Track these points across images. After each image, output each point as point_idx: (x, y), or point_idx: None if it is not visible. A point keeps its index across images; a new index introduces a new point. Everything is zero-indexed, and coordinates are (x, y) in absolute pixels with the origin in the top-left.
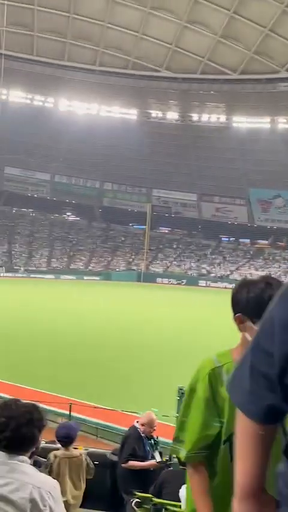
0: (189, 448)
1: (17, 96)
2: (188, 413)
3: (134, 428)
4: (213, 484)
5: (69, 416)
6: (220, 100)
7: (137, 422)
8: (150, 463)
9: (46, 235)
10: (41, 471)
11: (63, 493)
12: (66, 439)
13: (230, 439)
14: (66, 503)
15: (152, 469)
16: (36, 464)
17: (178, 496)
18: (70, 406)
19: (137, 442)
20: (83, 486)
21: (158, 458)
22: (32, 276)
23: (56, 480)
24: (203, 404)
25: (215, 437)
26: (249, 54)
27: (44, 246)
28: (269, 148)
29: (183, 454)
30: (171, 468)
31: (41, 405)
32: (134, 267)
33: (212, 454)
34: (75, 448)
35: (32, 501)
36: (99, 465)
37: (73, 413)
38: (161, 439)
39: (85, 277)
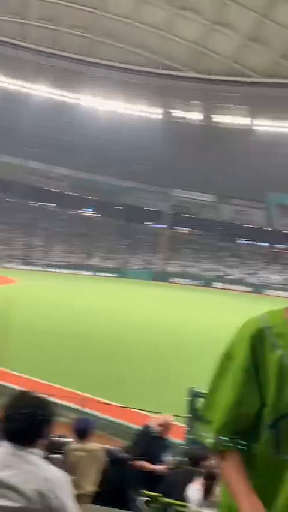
0: (219, 430)
1: (41, 90)
2: (220, 386)
3: (148, 427)
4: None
5: (82, 412)
6: (244, 102)
7: (153, 422)
8: (160, 468)
9: (64, 230)
10: (56, 464)
11: (79, 486)
12: (83, 432)
13: (277, 424)
14: (83, 497)
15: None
16: (47, 457)
17: (186, 496)
18: (83, 401)
19: (149, 442)
20: (98, 480)
21: (167, 461)
22: (48, 270)
23: (67, 473)
24: (240, 374)
25: (255, 421)
26: (276, 57)
27: (62, 241)
28: None
29: (209, 439)
30: (180, 468)
31: (53, 399)
32: (151, 266)
33: (250, 444)
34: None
35: (41, 493)
36: (108, 462)
37: (85, 409)
38: (172, 440)
39: (101, 274)
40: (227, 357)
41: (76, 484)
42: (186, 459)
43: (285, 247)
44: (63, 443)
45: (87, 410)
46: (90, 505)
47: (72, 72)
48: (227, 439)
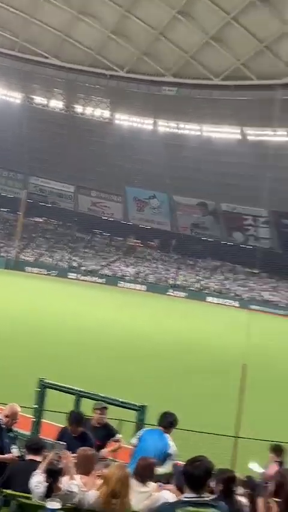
0: None
1: None
2: None
3: None
4: None
5: None
6: (105, 95)
7: None
8: (9, 457)
9: None
10: None
11: None
12: None
13: None
14: None
15: (8, 463)
16: None
17: (28, 487)
18: None
19: None
20: None
21: (15, 451)
22: None
23: None
24: None
25: None
26: (138, 54)
27: None
28: (149, 149)
29: None
30: (24, 459)
31: None
32: (3, 254)
33: None
34: None
35: None
36: None
37: None
38: (19, 431)
39: None
40: None
41: None
42: (28, 449)
43: (140, 240)
44: None
45: None
46: None
47: None
48: None
